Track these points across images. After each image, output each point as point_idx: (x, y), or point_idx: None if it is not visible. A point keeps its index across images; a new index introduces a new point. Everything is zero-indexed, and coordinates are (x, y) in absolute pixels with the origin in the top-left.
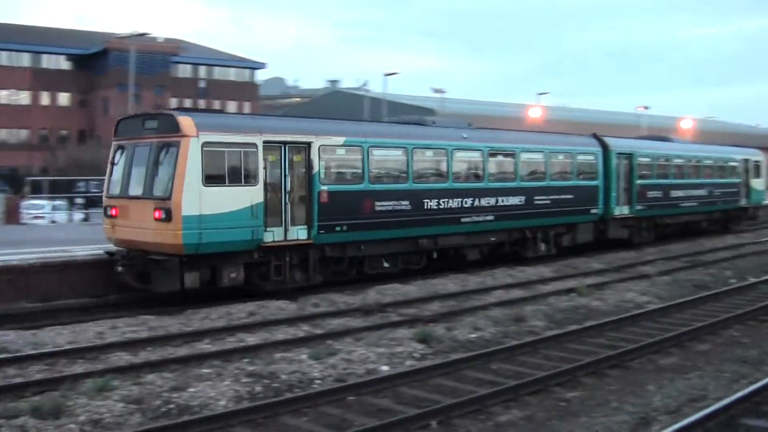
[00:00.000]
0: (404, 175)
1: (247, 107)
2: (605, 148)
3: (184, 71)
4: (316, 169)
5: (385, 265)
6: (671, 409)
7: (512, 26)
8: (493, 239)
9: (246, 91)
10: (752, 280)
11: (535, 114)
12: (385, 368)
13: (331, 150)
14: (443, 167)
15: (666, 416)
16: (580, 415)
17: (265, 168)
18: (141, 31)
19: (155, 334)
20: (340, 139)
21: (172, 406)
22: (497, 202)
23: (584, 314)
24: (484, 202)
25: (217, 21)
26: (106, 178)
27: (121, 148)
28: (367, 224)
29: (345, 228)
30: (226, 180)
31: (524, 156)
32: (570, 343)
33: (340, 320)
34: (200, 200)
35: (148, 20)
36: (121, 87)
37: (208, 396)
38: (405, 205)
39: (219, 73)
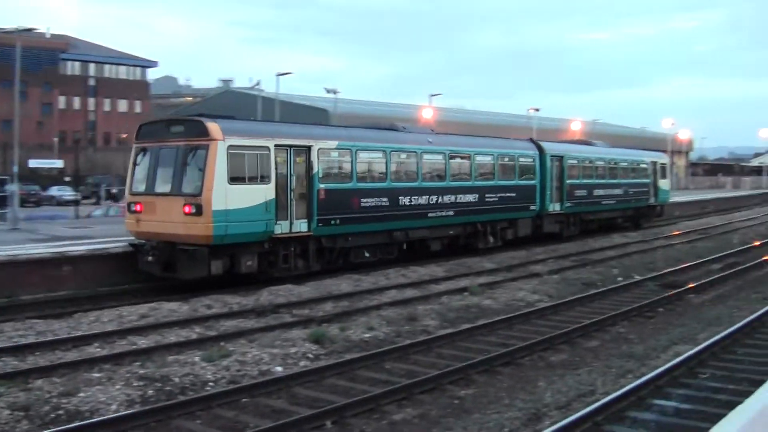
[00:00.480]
0: (383, 174)
1: (138, 106)
2: (541, 151)
3: (72, 68)
4: (315, 169)
5: (366, 255)
6: (561, 405)
7: (410, 27)
8: (451, 232)
9: (137, 89)
10: (638, 277)
11: (427, 115)
12: (279, 369)
13: (327, 153)
14: (414, 168)
15: (556, 411)
16: (473, 412)
17: (275, 168)
18: (27, 25)
19: (43, 339)
20: (334, 143)
21: (61, 412)
22: (456, 199)
23: (476, 313)
24: (446, 199)
25: (109, 18)
26: (128, 177)
27: (143, 150)
28: (354, 218)
29: (338, 221)
30: (246, 179)
31: (478, 158)
32: (463, 342)
33: (234, 321)
34: (226, 197)
35: (35, 16)
36: (6, 83)
37: (99, 401)
38: (384, 201)
39: (109, 71)
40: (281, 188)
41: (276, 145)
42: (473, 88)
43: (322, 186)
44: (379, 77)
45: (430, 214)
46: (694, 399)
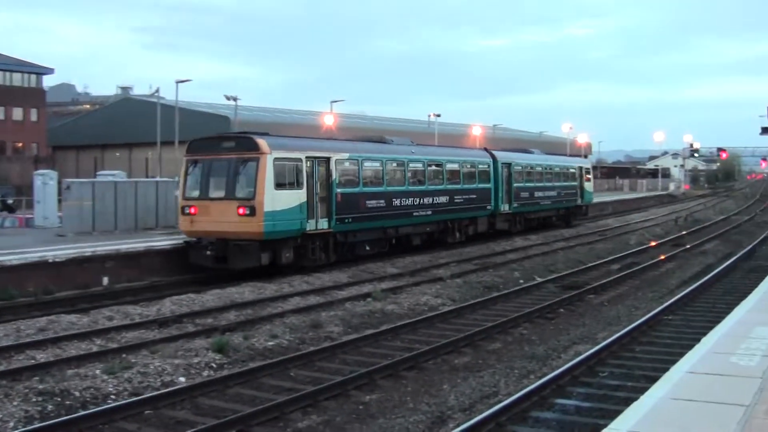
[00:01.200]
0: (380, 180)
1: (34, 114)
2: (494, 159)
3: None
4: (333, 176)
5: (367, 248)
6: (465, 407)
7: (312, 34)
8: (428, 229)
9: (32, 97)
10: (539, 279)
11: (329, 121)
12: (182, 380)
13: (342, 162)
14: (401, 175)
15: (460, 413)
16: (378, 417)
17: (306, 176)
18: None
19: None
20: (346, 155)
21: None
22: (433, 200)
23: (380, 318)
24: (426, 200)
25: (4, 24)
26: (180, 185)
27: (194, 162)
28: (361, 217)
29: (350, 220)
30: (287, 185)
31: (448, 165)
32: (367, 347)
33: (135, 333)
34: (273, 200)
35: None
36: None
37: None
38: (381, 203)
39: (2, 78)
40: (310, 192)
41: (306, 157)
42: (373, 94)
43: (338, 190)
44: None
45: (414, 214)
46: (594, 397)
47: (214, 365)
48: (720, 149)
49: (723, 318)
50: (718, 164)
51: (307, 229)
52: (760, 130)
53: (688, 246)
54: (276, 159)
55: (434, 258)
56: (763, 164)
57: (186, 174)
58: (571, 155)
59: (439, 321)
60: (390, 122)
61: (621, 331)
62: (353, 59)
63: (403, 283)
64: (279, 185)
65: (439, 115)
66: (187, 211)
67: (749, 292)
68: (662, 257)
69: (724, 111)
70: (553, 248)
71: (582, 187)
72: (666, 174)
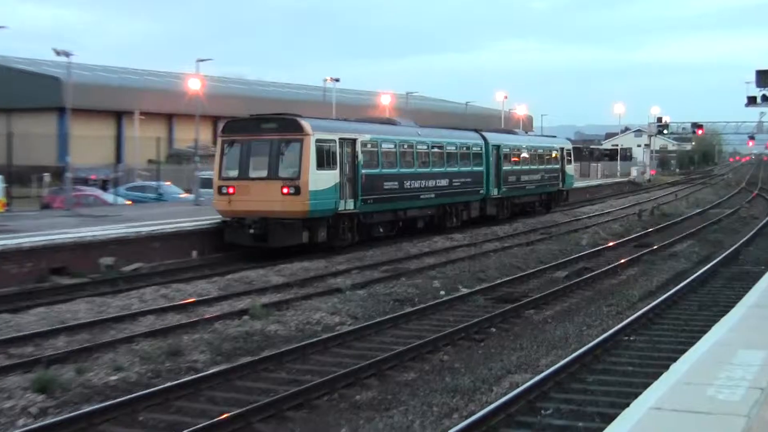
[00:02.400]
0: (395, 162)
1: None
2: (486, 141)
3: None
4: (359, 158)
5: (380, 230)
6: None
7: None
8: (430, 213)
9: None
10: (464, 290)
11: (194, 86)
12: None
13: (365, 144)
14: (411, 157)
15: None
16: None
17: (339, 157)
18: None
19: None
20: (369, 136)
21: None
22: (436, 183)
23: (259, 342)
24: (430, 183)
25: None
26: (216, 165)
27: (231, 142)
28: (380, 199)
29: (372, 201)
30: (325, 166)
31: (448, 148)
32: (242, 381)
33: None
34: (316, 180)
35: None
36: None
37: None
38: (395, 185)
39: None
40: (342, 174)
41: (339, 138)
42: (255, 54)
43: (363, 172)
44: (131, 36)
45: (421, 196)
46: None
47: (35, 410)
48: (695, 125)
49: (698, 339)
50: (693, 144)
51: (339, 209)
52: (745, 101)
53: (654, 247)
54: (317, 140)
55: (331, 264)
56: (750, 143)
57: (222, 154)
58: (546, 136)
59: (336, 345)
60: (275, 89)
61: (569, 356)
62: (229, 11)
63: (290, 296)
64: (320, 166)
65: (337, 80)
66: (225, 191)
67: (732, 306)
68: (622, 261)
69: (700, 77)
70: (482, 249)
71: (563, 171)
72: (627, 156)
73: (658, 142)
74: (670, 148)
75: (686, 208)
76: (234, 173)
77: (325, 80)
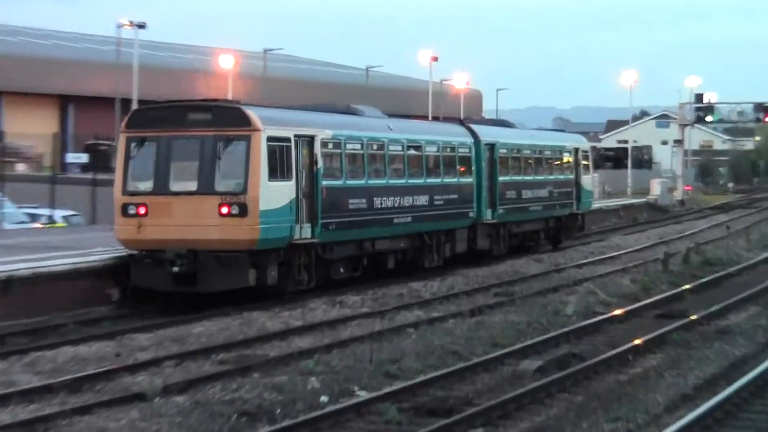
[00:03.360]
0: (361, 170)
1: None
2: (476, 137)
3: None
4: (319, 164)
5: (341, 269)
6: None
7: None
8: (402, 245)
9: None
10: (362, 394)
11: None
12: None
13: (325, 144)
14: (381, 162)
15: None
16: None
17: (294, 162)
18: None
19: None
20: (330, 133)
21: None
22: (413, 201)
23: None
24: (406, 200)
25: None
26: (118, 174)
27: (141, 140)
28: (344, 223)
29: (334, 226)
30: (278, 175)
31: (427, 149)
32: None
33: None
34: (268, 195)
35: None
36: None
37: None
38: (363, 203)
39: None
40: (297, 186)
41: (294, 135)
42: None
43: (324, 183)
44: None
45: (394, 220)
46: None
47: None
48: (762, 106)
49: None
50: (759, 139)
51: (295, 237)
52: None
53: (691, 318)
54: (269, 138)
55: (129, 351)
56: None
57: (127, 158)
58: (551, 130)
59: None
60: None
61: None
62: None
63: (54, 408)
64: (272, 175)
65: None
66: (132, 212)
67: None
68: (636, 343)
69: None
70: (395, 322)
71: (578, 184)
72: (644, 160)
73: (697, 137)
74: (719, 146)
75: (747, 251)
76: (146, 185)
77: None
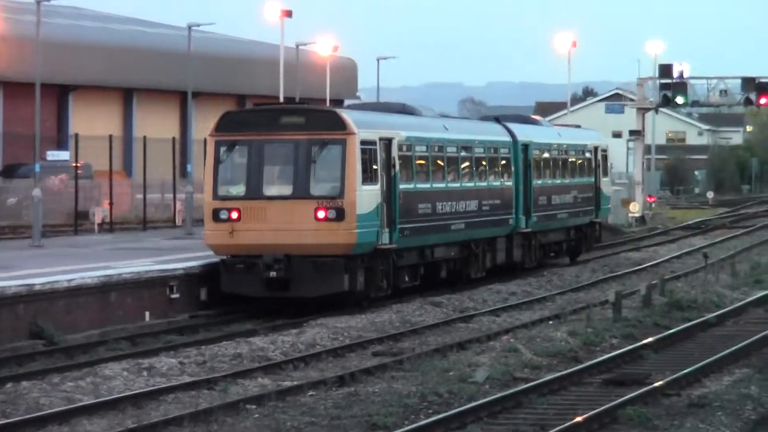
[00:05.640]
0: (426, 173)
1: None
2: (513, 137)
3: None
4: (397, 167)
5: (406, 278)
6: None
7: None
8: (453, 254)
9: None
10: None
11: None
12: None
13: (401, 146)
14: (440, 165)
15: None
16: None
17: (380, 166)
18: None
19: None
20: (404, 134)
21: None
22: (466, 206)
23: None
24: (461, 206)
25: None
26: (208, 178)
27: (232, 144)
28: (416, 229)
29: (408, 232)
30: (369, 179)
31: (476, 150)
32: None
33: None
34: (362, 199)
35: None
36: None
37: None
38: (428, 207)
39: None
40: (382, 190)
41: (379, 138)
42: None
43: (401, 187)
44: None
45: (452, 226)
46: None
47: None
48: (755, 84)
49: None
50: (750, 130)
51: (380, 242)
52: None
53: (653, 385)
54: (362, 142)
55: None
56: None
57: (217, 162)
58: (567, 126)
59: None
60: None
61: None
62: None
63: None
64: (364, 179)
65: None
66: (224, 216)
67: None
68: (576, 421)
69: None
70: (227, 399)
71: (598, 188)
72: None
73: (663, 126)
74: (694, 140)
75: (731, 290)
76: (238, 190)
77: None
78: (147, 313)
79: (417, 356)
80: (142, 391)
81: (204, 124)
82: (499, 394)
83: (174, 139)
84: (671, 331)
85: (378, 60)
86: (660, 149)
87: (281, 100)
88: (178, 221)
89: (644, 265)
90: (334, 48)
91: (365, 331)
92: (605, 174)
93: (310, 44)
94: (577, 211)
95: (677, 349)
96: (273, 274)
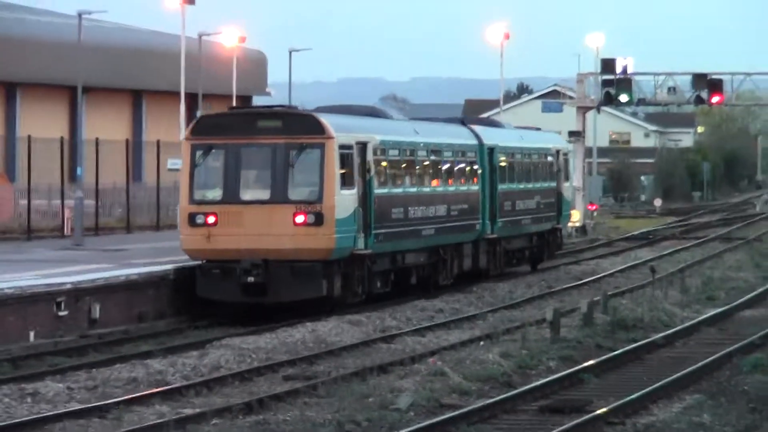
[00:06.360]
0: (400, 178)
1: None
2: (479, 140)
3: None
4: (371, 171)
5: (378, 284)
6: None
7: None
8: (422, 259)
9: None
10: None
11: None
12: None
13: (375, 150)
14: (410, 170)
15: None
16: None
17: (356, 170)
18: None
19: None
20: (378, 138)
21: None
22: (435, 211)
23: None
24: (430, 210)
25: None
26: (184, 183)
27: (208, 148)
28: (390, 234)
29: (382, 237)
30: (346, 183)
31: (445, 154)
32: None
33: None
34: (341, 204)
35: None
36: None
37: None
38: (400, 212)
39: None
40: (358, 194)
41: (356, 142)
42: None
43: (376, 192)
44: None
45: (423, 232)
46: None
47: None
48: (706, 81)
49: None
50: (700, 131)
51: (356, 247)
52: None
53: (595, 413)
54: (340, 146)
55: None
56: None
57: (193, 165)
58: (527, 128)
59: None
60: None
61: None
62: None
63: None
64: (342, 183)
65: None
66: (200, 221)
67: None
68: None
69: None
70: None
71: (560, 193)
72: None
73: (606, 126)
74: (640, 141)
75: (681, 307)
76: (215, 194)
77: None
78: (31, 333)
79: (333, 380)
80: (25, 419)
81: (96, 122)
82: (423, 423)
83: (62, 139)
84: (615, 353)
85: (290, 52)
86: (602, 152)
87: (182, 95)
88: (67, 230)
89: (585, 280)
90: (241, 39)
91: (275, 353)
92: (566, 178)
93: (215, 35)
94: (539, 217)
95: (622, 372)
96: (251, 279)
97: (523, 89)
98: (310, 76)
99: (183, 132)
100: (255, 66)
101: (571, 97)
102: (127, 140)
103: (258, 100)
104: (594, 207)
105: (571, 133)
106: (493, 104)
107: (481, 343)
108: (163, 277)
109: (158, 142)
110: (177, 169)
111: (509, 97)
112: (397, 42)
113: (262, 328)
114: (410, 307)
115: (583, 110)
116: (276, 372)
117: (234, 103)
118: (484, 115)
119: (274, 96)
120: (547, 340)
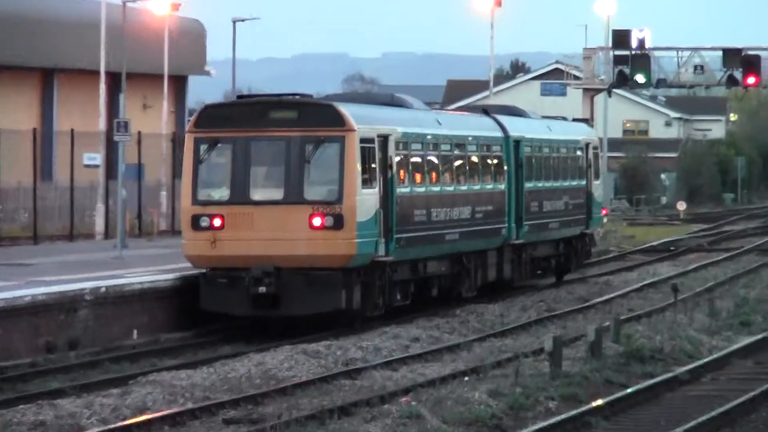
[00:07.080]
0: (422, 174)
1: None
2: (505, 132)
3: None
4: (393, 168)
5: (398, 296)
6: None
7: None
8: (443, 269)
9: None
10: None
11: None
12: None
13: (397, 144)
14: (435, 165)
15: None
16: None
17: (378, 167)
18: None
19: None
20: (400, 130)
21: None
22: (459, 213)
23: None
24: (455, 212)
25: None
26: (187, 181)
27: (214, 142)
28: (412, 239)
29: (404, 242)
30: (367, 181)
31: (469, 148)
32: None
33: None
34: (362, 204)
35: None
36: None
37: None
38: (423, 215)
39: None
40: (380, 194)
41: (377, 136)
42: None
43: (399, 191)
44: None
45: (446, 236)
46: None
47: None
48: (737, 56)
49: None
50: (734, 119)
51: (377, 253)
52: None
53: None
54: (362, 140)
55: None
56: None
57: (196, 161)
58: (553, 117)
59: None
60: None
61: None
62: None
63: None
64: (363, 181)
65: None
66: (205, 224)
67: None
68: None
69: None
70: None
71: (590, 194)
72: None
73: (618, 113)
74: (660, 132)
75: (709, 335)
76: (221, 194)
77: None
78: None
79: (285, 424)
80: None
81: None
82: None
83: None
84: (628, 390)
85: (234, 23)
86: (615, 144)
87: (102, 75)
88: None
89: (592, 302)
90: (174, 6)
91: (214, 391)
92: (596, 176)
93: (142, 2)
94: (568, 221)
95: (637, 414)
96: (262, 289)
97: (518, 68)
98: (258, 52)
99: (103, 119)
100: (191, 39)
101: (576, 77)
102: (34, 129)
103: (195, 81)
104: (604, 212)
105: (577, 121)
106: (480, 85)
107: (466, 378)
108: (76, 297)
109: (72, 131)
110: (96, 166)
111: (501, 77)
112: (364, 12)
113: (199, 361)
114: (380, 334)
115: (590, 93)
116: (215, 414)
117: (165, 85)
118: (471, 100)
119: (214, 76)
120: (545, 375)
